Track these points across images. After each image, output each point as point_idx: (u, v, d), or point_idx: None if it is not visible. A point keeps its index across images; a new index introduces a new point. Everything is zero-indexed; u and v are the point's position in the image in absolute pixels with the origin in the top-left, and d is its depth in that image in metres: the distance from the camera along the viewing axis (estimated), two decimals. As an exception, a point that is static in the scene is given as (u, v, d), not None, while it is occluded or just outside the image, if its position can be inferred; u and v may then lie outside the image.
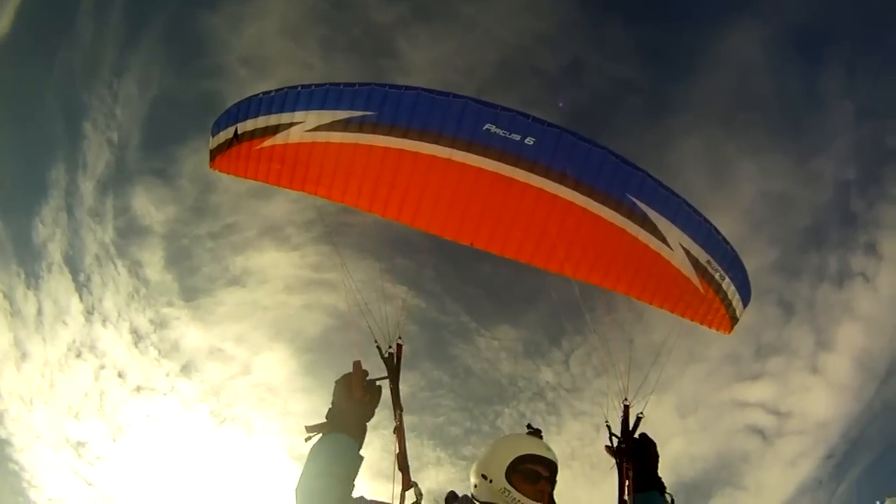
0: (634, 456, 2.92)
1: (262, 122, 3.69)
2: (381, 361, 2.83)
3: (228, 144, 3.87)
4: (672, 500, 2.80)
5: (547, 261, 3.13)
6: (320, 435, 2.39)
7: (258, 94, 3.77)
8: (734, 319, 3.74)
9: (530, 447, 2.52)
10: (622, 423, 3.09)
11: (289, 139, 3.52)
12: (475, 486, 2.54)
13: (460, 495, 2.57)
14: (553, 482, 2.52)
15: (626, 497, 2.82)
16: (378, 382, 2.61)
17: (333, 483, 2.24)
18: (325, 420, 2.44)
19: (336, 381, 2.55)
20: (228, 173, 3.84)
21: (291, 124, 3.54)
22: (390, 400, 2.75)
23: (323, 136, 3.38)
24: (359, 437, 2.42)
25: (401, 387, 2.83)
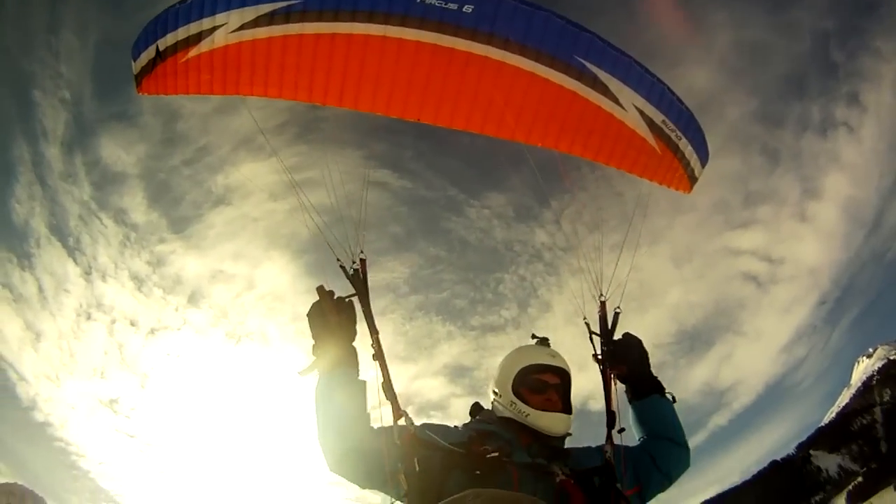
0: (621, 360, 2.71)
1: (182, 32, 3.42)
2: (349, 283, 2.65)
3: (152, 64, 3.59)
4: (673, 399, 2.65)
5: (497, 129, 3.05)
6: (318, 376, 2.39)
7: (174, 5, 3.48)
8: (693, 179, 3.77)
9: (534, 357, 2.48)
10: (600, 323, 2.88)
11: (214, 45, 3.28)
12: (493, 402, 2.56)
13: (484, 407, 2.62)
14: (565, 388, 2.46)
15: (613, 407, 2.58)
16: (347, 299, 2.59)
17: (348, 424, 2.28)
18: (314, 358, 2.43)
19: (308, 315, 2.52)
20: (157, 94, 3.59)
21: (214, 28, 3.29)
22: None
23: (249, 35, 3.14)
24: (352, 362, 2.43)
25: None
